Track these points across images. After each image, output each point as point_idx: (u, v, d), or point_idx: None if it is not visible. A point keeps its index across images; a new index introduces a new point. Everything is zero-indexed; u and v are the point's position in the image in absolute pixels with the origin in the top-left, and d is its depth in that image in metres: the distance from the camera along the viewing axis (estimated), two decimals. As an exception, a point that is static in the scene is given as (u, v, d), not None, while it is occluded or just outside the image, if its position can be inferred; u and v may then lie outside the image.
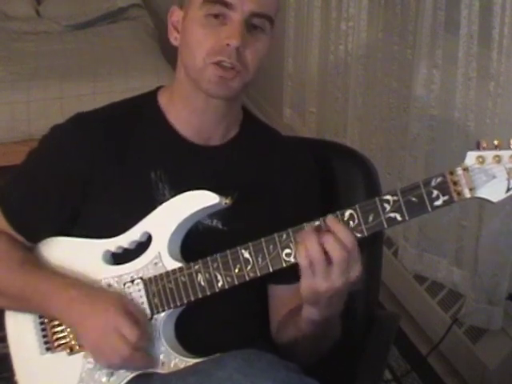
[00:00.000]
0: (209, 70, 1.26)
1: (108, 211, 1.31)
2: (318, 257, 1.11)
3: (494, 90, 2.03)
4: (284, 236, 1.18)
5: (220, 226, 1.32)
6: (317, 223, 1.15)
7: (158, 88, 1.41)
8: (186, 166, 1.34)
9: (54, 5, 4.33)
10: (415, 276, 2.54)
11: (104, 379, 1.27)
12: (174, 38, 1.34)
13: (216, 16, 1.25)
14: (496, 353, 2.19)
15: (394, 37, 2.57)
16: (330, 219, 1.14)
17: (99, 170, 1.31)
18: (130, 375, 1.26)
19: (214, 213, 1.30)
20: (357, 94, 2.89)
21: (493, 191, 1.09)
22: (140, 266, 1.28)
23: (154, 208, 1.28)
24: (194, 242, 1.28)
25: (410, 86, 2.44)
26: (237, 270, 1.21)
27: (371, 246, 1.52)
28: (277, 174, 1.38)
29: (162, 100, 1.38)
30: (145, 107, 1.38)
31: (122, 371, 1.26)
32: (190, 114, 1.34)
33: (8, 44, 3.87)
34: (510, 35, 1.94)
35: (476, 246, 2.18)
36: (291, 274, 1.19)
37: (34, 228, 1.37)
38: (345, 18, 2.95)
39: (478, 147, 1.10)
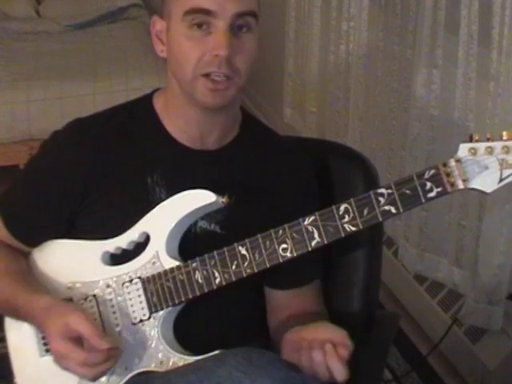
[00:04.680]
0: (199, 82, 1.25)
1: (106, 215, 1.32)
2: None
3: (494, 89, 2.03)
4: (280, 232, 1.19)
5: (218, 230, 1.32)
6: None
7: (154, 91, 1.41)
8: (183, 171, 1.34)
9: (53, 5, 4.33)
10: (415, 276, 2.53)
11: (103, 379, 1.27)
12: (161, 51, 1.32)
13: (200, 25, 1.22)
14: (496, 353, 2.19)
15: (394, 37, 2.57)
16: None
17: (98, 174, 1.32)
18: (130, 374, 1.26)
19: (212, 217, 1.30)
20: (357, 94, 2.89)
21: (486, 182, 1.10)
22: (138, 265, 1.28)
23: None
24: (193, 246, 1.28)
25: (410, 85, 2.44)
26: (234, 267, 1.21)
27: (371, 246, 1.52)
28: (276, 176, 1.37)
29: (158, 105, 1.38)
30: (141, 112, 1.38)
31: (119, 370, 1.26)
32: (186, 124, 1.34)
33: (8, 44, 3.87)
34: (510, 35, 1.94)
35: (476, 246, 2.18)
36: (285, 279, 1.19)
37: (33, 232, 1.38)
38: (345, 18, 2.94)
39: (470, 140, 1.11)
